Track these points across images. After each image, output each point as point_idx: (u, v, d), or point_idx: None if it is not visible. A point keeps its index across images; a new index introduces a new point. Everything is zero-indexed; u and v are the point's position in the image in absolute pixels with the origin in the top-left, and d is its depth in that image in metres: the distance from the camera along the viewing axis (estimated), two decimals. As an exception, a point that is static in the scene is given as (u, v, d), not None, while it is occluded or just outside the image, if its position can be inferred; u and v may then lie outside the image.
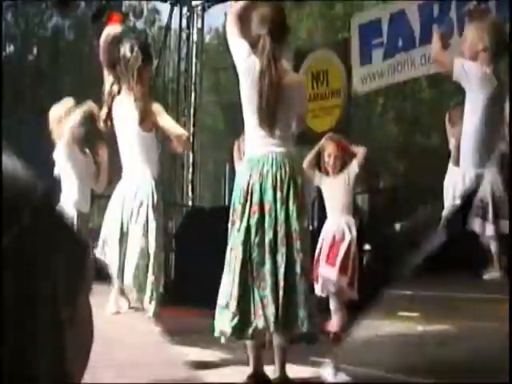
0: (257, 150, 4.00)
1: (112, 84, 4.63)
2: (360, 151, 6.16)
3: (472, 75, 3.98)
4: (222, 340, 3.98)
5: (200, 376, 4.26)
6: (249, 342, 3.95)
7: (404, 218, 9.13)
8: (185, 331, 6.31)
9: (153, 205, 4.49)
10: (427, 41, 8.97)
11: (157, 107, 4.57)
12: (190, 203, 13.21)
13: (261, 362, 3.98)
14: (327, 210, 6.29)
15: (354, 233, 6.12)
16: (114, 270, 4.45)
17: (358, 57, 10.03)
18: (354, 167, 6.15)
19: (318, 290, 5.99)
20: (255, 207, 3.87)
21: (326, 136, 6.39)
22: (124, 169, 4.70)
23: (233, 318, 3.77)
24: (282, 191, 3.88)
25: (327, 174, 6.27)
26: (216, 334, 3.92)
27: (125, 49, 4.59)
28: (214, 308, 3.96)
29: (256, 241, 3.83)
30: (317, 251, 6.14)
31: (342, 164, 6.20)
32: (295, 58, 11.41)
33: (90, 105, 5.44)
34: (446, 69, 4.09)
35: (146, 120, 4.52)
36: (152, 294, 4.39)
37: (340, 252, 6.00)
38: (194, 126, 13.39)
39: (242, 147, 5.94)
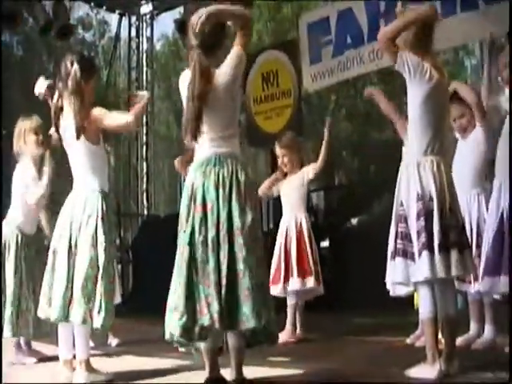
0: (202, 153, 4.00)
1: (57, 100, 4.59)
2: (318, 164, 6.20)
3: (411, 67, 3.98)
4: (174, 344, 3.95)
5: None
6: (203, 346, 3.91)
7: (360, 213, 9.17)
8: (143, 341, 6.28)
9: (102, 216, 4.45)
10: (375, 37, 9.03)
11: (98, 112, 4.50)
12: (146, 212, 13.15)
13: (216, 366, 3.94)
14: (283, 207, 6.33)
15: (309, 227, 6.17)
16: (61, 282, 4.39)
17: (307, 56, 10.06)
18: (309, 173, 6.20)
19: (289, 299, 6.08)
20: (199, 207, 3.86)
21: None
22: (74, 180, 4.67)
23: (181, 318, 3.75)
24: (224, 189, 3.88)
25: (285, 176, 6.29)
26: (166, 336, 3.87)
27: (65, 64, 4.57)
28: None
29: (200, 239, 3.82)
30: (276, 252, 6.17)
31: (293, 161, 6.24)
32: (244, 61, 11.42)
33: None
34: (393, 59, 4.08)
35: (88, 131, 4.48)
36: (100, 306, 4.32)
37: (306, 255, 6.03)
38: (146, 134, 13.33)
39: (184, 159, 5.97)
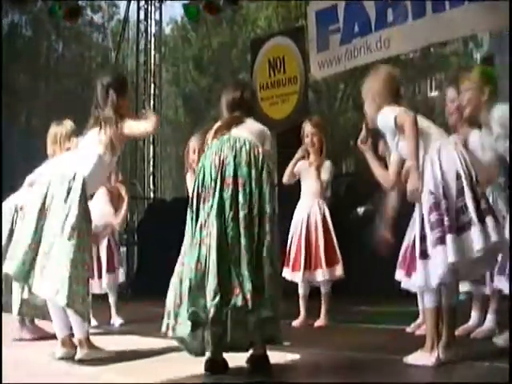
0: (227, 131, 4.02)
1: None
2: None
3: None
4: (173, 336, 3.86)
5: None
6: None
7: (366, 202, 9.17)
8: (147, 321, 6.32)
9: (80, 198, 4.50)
10: (383, 26, 9.07)
11: (126, 126, 4.63)
12: (152, 196, 13.19)
13: (219, 347, 3.88)
14: (303, 192, 6.33)
15: (327, 212, 6.20)
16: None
17: (315, 43, 10.05)
18: (325, 173, 6.23)
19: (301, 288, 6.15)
20: (229, 180, 3.81)
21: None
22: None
23: (214, 297, 3.65)
24: (256, 170, 3.87)
25: (308, 155, 6.28)
26: (188, 316, 3.72)
27: (99, 88, 4.69)
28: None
29: (231, 215, 3.77)
30: (294, 238, 6.20)
31: (321, 142, 6.25)
32: (252, 47, 11.42)
33: None
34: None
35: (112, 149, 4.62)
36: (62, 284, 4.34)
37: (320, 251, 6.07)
38: (154, 118, 13.34)
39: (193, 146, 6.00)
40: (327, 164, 6.28)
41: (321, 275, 6.04)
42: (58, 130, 5.57)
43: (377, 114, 4.17)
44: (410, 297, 5.21)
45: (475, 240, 3.76)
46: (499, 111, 4.38)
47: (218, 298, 3.64)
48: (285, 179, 6.25)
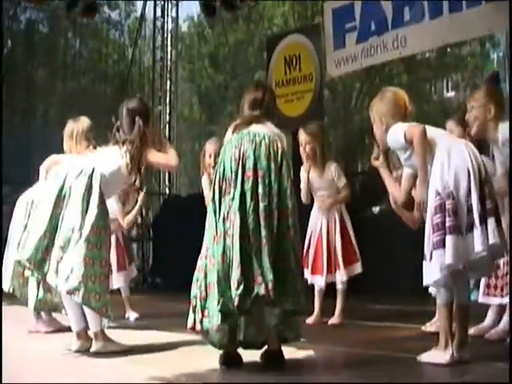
0: (247, 127, 4.08)
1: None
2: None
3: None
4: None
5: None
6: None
7: (382, 201, 9.16)
8: (162, 316, 6.37)
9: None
10: (399, 25, 9.08)
11: (151, 155, 4.70)
12: (167, 191, 13.24)
13: (234, 342, 3.98)
14: (316, 197, 6.26)
15: (344, 211, 6.23)
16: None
17: (331, 41, 10.08)
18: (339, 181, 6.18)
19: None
20: (249, 172, 3.87)
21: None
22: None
23: (238, 287, 3.68)
24: (275, 164, 3.92)
25: (309, 168, 6.19)
26: (219, 307, 3.72)
27: (124, 113, 4.73)
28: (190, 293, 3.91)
29: (252, 206, 3.81)
30: (313, 240, 6.20)
31: (315, 150, 6.14)
32: (268, 44, 11.44)
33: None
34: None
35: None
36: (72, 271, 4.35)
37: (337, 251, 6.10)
38: (169, 114, 13.42)
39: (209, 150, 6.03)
40: (332, 167, 6.19)
41: (341, 276, 6.07)
42: (75, 126, 5.59)
43: (386, 135, 4.22)
44: (426, 296, 5.21)
45: (475, 242, 3.77)
46: (504, 130, 4.43)
47: (241, 288, 3.67)
48: (303, 199, 6.16)
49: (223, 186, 3.92)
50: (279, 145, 4.00)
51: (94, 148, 5.40)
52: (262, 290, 3.69)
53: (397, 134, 4.12)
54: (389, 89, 4.52)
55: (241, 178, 3.86)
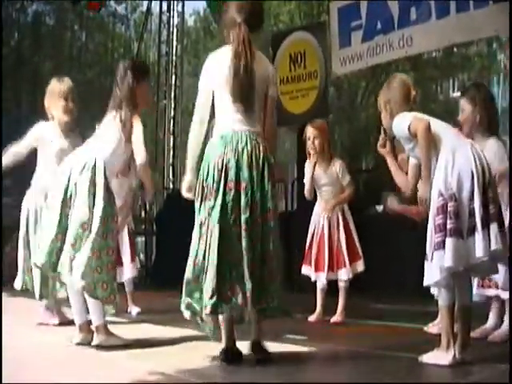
0: (230, 126, 4.01)
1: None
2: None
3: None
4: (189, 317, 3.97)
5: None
6: (221, 317, 3.95)
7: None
8: (164, 311, 6.37)
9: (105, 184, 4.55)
10: (405, 24, 9.06)
11: (136, 128, 4.64)
12: (171, 186, 13.23)
13: (233, 337, 4.00)
14: (319, 193, 6.30)
15: (347, 209, 6.24)
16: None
17: (337, 39, 10.06)
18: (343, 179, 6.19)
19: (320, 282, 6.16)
20: (231, 184, 3.88)
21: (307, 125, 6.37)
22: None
23: (211, 297, 3.75)
24: (257, 171, 3.92)
25: (315, 163, 6.22)
26: (182, 307, 3.93)
27: (119, 72, 4.78)
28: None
29: (232, 218, 3.83)
30: (315, 238, 6.21)
31: (323, 145, 6.18)
32: (273, 41, 11.43)
33: None
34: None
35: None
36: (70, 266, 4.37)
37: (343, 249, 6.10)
38: (174, 109, 13.40)
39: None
40: (337, 163, 6.22)
41: (344, 274, 6.07)
42: (57, 85, 5.78)
43: (391, 122, 4.23)
44: (429, 295, 5.21)
45: (477, 247, 3.77)
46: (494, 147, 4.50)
47: (215, 298, 3.76)
48: (307, 195, 6.23)
49: (205, 191, 3.94)
50: (261, 148, 3.98)
51: (70, 111, 5.72)
52: (239, 300, 3.79)
53: (402, 125, 4.12)
54: (395, 75, 4.52)
55: (222, 189, 3.88)
